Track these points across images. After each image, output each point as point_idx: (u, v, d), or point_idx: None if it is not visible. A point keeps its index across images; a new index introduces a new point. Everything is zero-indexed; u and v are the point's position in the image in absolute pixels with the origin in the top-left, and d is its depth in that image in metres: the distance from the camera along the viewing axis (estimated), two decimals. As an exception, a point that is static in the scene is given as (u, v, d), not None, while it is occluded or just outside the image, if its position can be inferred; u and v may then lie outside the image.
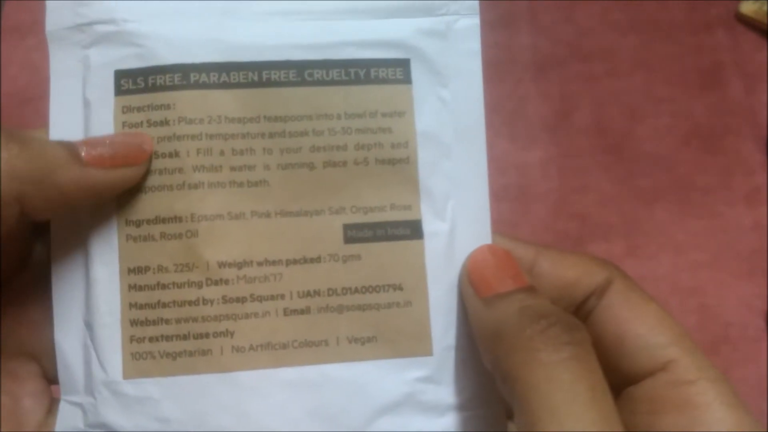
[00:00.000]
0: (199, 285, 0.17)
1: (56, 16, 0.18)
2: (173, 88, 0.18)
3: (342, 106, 0.18)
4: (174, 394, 0.17)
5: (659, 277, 0.36)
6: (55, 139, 0.17)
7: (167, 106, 0.18)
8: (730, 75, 0.39)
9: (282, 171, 0.18)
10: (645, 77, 0.39)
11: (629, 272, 0.18)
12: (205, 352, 0.17)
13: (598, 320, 0.18)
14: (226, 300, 0.17)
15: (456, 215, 0.18)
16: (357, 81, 0.18)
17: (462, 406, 0.18)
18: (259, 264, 0.18)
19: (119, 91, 0.18)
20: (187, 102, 0.18)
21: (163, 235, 0.17)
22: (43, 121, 0.18)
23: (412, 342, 0.18)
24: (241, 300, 0.17)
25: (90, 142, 0.17)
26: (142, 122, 0.18)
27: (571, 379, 0.15)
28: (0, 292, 0.18)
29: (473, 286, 0.17)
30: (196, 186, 0.17)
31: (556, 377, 0.15)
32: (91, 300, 0.17)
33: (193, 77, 0.18)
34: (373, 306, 0.18)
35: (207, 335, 0.17)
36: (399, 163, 0.18)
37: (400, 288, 0.18)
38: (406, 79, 0.18)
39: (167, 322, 0.17)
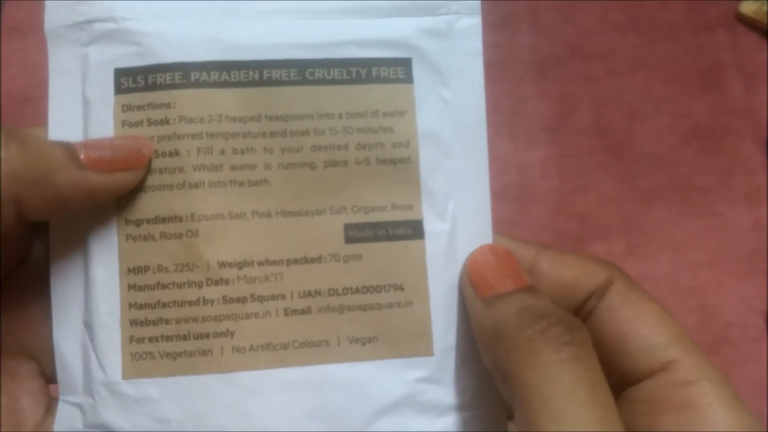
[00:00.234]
0: (200, 285, 0.17)
1: (55, 14, 0.18)
2: (173, 86, 0.17)
3: (343, 106, 0.18)
4: (174, 394, 0.17)
5: (659, 277, 0.36)
6: (54, 137, 0.17)
7: (167, 105, 0.17)
8: (730, 75, 0.39)
9: (283, 170, 0.18)
10: (645, 77, 0.39)
11: (629, 272, 0.18)
12: (205, 353, 0.17)
13: (599, 321, 0.18)
14: (226, 300, 0.17)
15: (457, 215, 0.18)
16: (358, 80, 0.18)
17: (462, 407, 0.18)
18: (260, 264, 0.18)
19: (119, 89, 0.18)
20: (187, 101, 0.17)
21: (163, 235, 0.17)
22: (43, 121, 0.18)
23: (412, 342, 0.18)
24: (241, 300, 0.17)
25: (89, 145, 0.17)
26: (142, 121, 0.17)
27: (572, 379, 0.15)
28: (-1, 291, 0.18)
29: (473, 286, 0.17)
30: (196, 185, 0.17)
31: (556, 378, 0.15)
32: (91, 300, 0.17)
33: (193, 76, 0.18)
34: (373, 306, 0.18)
35: (207, 335, 0.17)
36: (400, 163, 0.18)
37: (401, 288, 0.18)
38: (408, 79, 0.18)
39: (167, 322, 0.17)
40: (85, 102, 0.18)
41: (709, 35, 0.40)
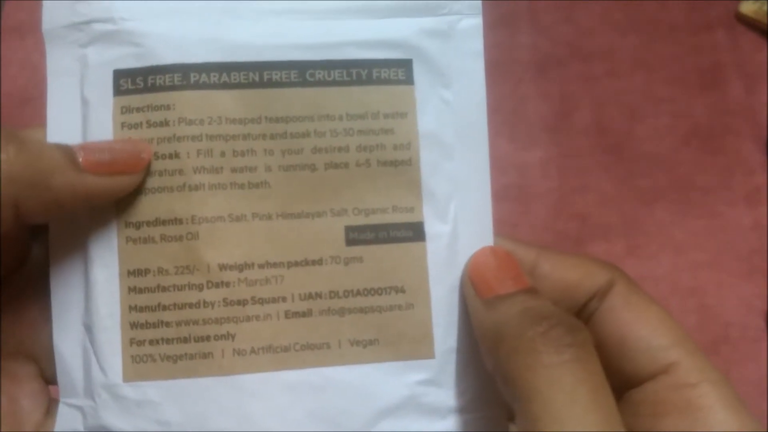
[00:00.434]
0: (200, 287, 0.17)
1: (53, 14, 0.18)
2: (173, 88, 0.17)
3: (344, 107, 0.18)
4: (174, 397, 0.17)
5: (659, 277, 0.36)
6: (53, 138, 0.17)
7: (167, 107, 0.17)
8: (730, 75, 0.39)
9: (283, 172, 0.18)
10: (645, 77, 0.39)
11: (629, 272, 0.18)
12: (206, 355, 0.17)
13: (600, 322, 0.18)
14: (227, 302, 0.17)
15: (458, 217, 0.18)
16: (359, 82, 0.18)
17: (463, 409, 0.18)
18: (261, 266, 0.17)
19: (118, 91, 0.18)
20: (187, 102, 0.17)
21: (163, 237, 0.17)
22: (42, 121, 0.18)
23: (414, 345, 0.18)
24: (242, 302, 0.17)
25: (88, 148, 0.16)
26: (141, 123, 0.17)
27: (573, 381, 0.14)
28: (-2, 292, 0.18)
29: (474, 288, 0.17)
30: (196, 187, 0.17)
31: (557, 379, 0.15)
32: (91, 302, 0.17)
33: (193, 77, 0.17)
34: (374, 308, 0.18)
35: (208, 338, 0.17)
36: (401, 165, 0.18)
37: (402, 290, 0.18)
38: (408, 80, 0.18)
39: (167, 324, 0.17)
40: (84, 103, 0.18)
41: (709, 35, 0.40)
